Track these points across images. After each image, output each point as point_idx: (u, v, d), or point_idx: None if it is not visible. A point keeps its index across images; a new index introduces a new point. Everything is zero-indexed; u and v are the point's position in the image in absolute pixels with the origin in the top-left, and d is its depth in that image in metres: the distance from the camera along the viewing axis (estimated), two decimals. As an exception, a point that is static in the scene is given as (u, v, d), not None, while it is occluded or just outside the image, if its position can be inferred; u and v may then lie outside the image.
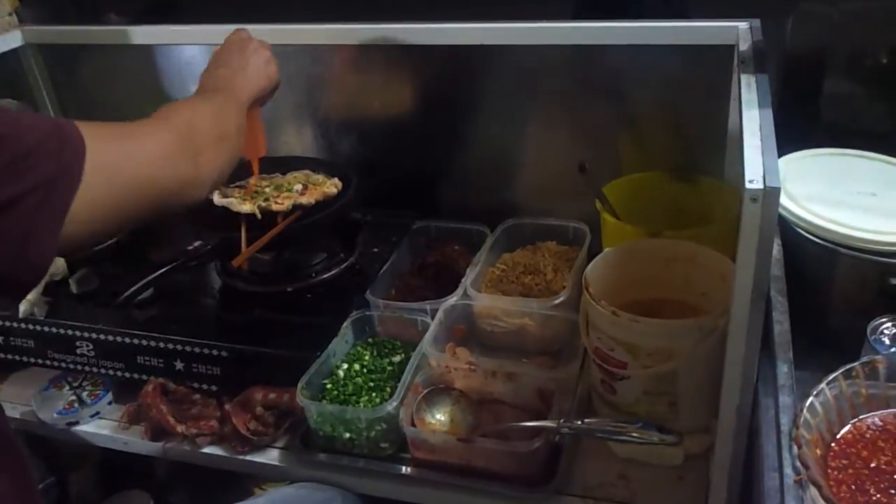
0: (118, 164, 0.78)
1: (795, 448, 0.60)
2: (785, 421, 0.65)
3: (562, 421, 1.01)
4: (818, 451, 0.62)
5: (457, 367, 1.15)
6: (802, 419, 0.61)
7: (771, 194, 0.72)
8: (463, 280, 1.30)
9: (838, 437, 0.64)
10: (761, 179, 0.73)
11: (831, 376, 0.65)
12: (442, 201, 1.56)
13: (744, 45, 1.10)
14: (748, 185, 0.73)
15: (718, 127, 1.28)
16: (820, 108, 1.13)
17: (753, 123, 0.85)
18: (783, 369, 0.69)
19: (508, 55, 1.38)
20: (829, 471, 0.62)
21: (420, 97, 1.51)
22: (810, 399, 0.63)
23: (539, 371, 1.16)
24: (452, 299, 1.27)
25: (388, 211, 1.52)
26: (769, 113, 0.86)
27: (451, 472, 1.07)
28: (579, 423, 1.01)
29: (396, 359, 1.24)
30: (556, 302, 1.22)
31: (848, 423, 0.65)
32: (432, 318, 1.25)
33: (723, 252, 1.15)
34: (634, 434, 0.96)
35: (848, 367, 0.66)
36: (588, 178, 1.23)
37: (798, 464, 0.61)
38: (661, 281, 1.16)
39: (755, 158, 0.77)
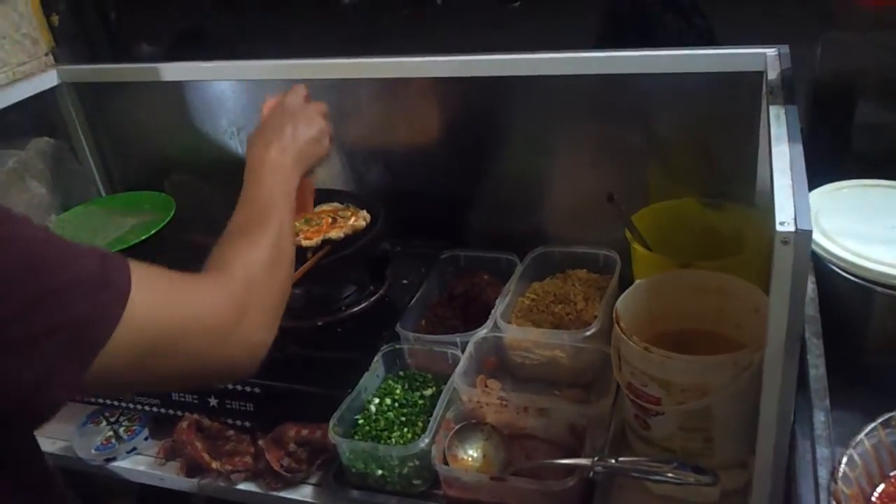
0: (161, 317, 0.69)
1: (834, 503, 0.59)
2: (823, 474, 0.64)
3: (596, 459, 1.01)
4: (858, 507, 0.60)
5: (488, 403, 1.15)
6: (841, 473, 0.60)
7: (803, 236, 0.71)
8: (493, 311, 1.30)
9: (879, 490, 0.63)
10: (792, 221, 0.72)
11: (869, 427, 0.64)
12: (470, 230, 1.56)
13: (772, 73, 1.09)
14: (779, 228, 0.72)
15: (749, 153, 1.26)
16: (850, 137, 1.11)
17: (783, 160, 0.84)
18: (820, 418, 0.68)
19: (534, 84, 1.38)
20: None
21: (447, 127, 1.52)
22: (849, 452, 0.61)
23: (571, 406, 1.15)
24: (483, 331, 1.27)
25: (416, 241, 1.52)
26: (799, 148, 0.85)
27: (485, 509, 1.07)
28: (613, 461, 1.00)
29: (428, 392, 1.24)
30: (588, 334, 1.21)
31: (889, 473, 0.64)
32: (463, 349, 1.25)
33: (755, 281, 1.14)
34: (670, 474, 0.95)
35: (887, 416, 0.65)
36: (616, 208, 1.22)
37: (838, 521, 0.60)
38: (692, 312, 1.15)
39: (786, 199, 0.76)
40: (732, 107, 1.27)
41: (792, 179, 0.80)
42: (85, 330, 0.63)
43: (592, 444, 1.07)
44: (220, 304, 0.77)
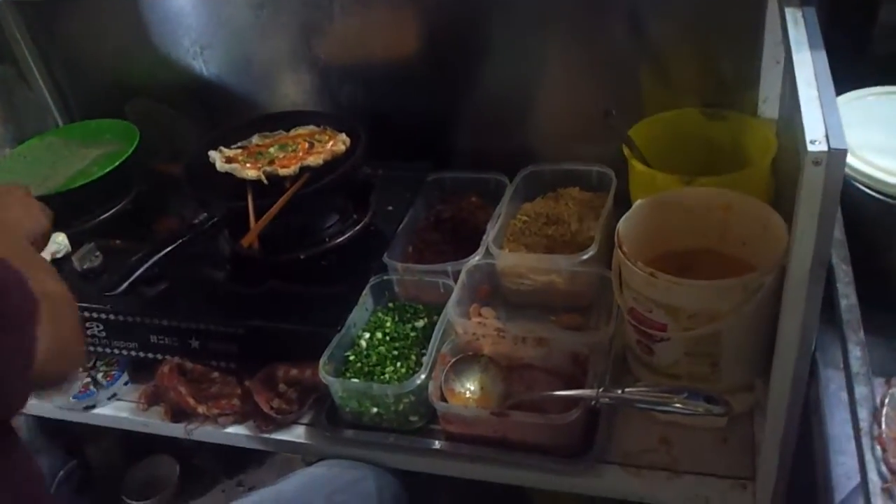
0: None
1: (880, 449, 0.55)
2: (864, 415, 0.59)
3: (601, 390, 0.97)
4: (903, 450, 0.56)
5: (485, 335, 1.10)
6: (884, 414, 0.55)
7: (836, 156, 0.65)
8: (484, 237, 1.24)
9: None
10: (824, 139, 0.66)
11: (911, 361, 0.59)
12: (456, 150, 1.47)
13: (782, -30, 1.00)
14: (810, 148, 0.65)
15: (751, 59, 1.18)
16: (871, 39, 1.03)
17: (807, 69, 0.76)
18: (856, 353, 0.63)
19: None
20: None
21: (426, 40, 1.41)
22: (892, 391, 0.57)
23: (571, 336, 1.11)
24: (475, 259, 1.21)
25: (399, 164, 1.43)
26: (823, 56, 0.78)
27: (485, 444, 1.04)
28: (619, 392, 0.96)
29: (419, 324, 1.19)
30: (585, 257, 1.15)
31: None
32: (454, 278, 1.19)
33: (759, 196, 1.09)
34: (679, 405, 0.91)
35: (929, 349, 0.60)
36: (614, 124, 1.15)
37: (884, 469, 0.56)
38: (696, 231, 1.10)
39: (814, 114, 0.69)
40: (733, 8, 1.18)
41: (818, 91, 0.73)
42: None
43: (595, 371, 1.03)
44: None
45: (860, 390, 0.60)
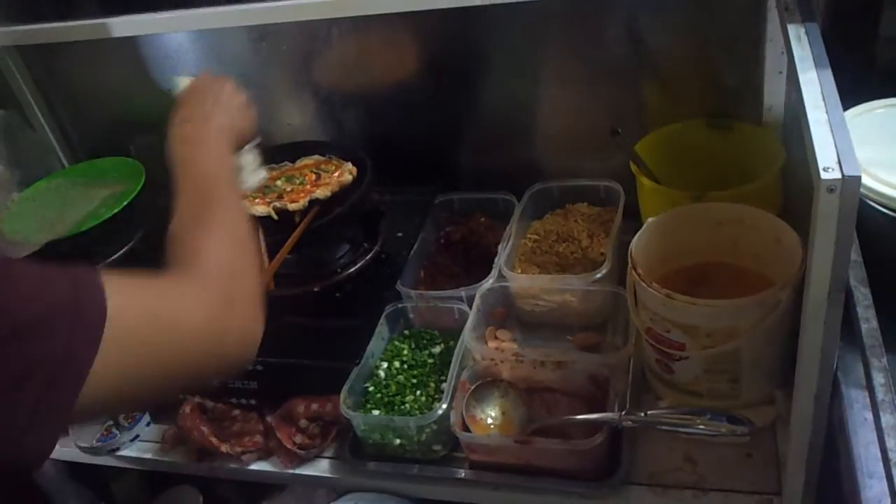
0: (146, 332, 0.64)
1: (910, 482, 0.55)
2: (892, 444, 0.59)
3: (623, 413, 0.97)
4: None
5: (503, 360, 1.10)
6: (913, 446, 0.56)
7: (850, 183, 0.64)
8: (496, 259, 1.24)
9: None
10: (837, 166, 0.66)
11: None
12: (462, 171, 1.47)
13: (783, -17, 1.00)
14: (823, 175, 0.65)
15: (753, 69, 1.18)
16: (875, 51, 1.02)
17: (814, 91, 0.76)
18: (880, 380, 0.63)
19: (515, 10, 1.26)
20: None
21: (426, 61, 1.41)
22: (919, 421, 0.57)
23: (590, 357, 1.11)
24: (488, 282, 1.21)
25: (406, 189, 1.43)
26: (829, 75, 0.78)
27: (510, 471, 1.04)
28: (642, 414, 0.96)
29: (436, 350, 1.20)
30: (598, 276, 1.15)
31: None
32: (468, 302, 1.19)
33: (769, 205, 1.09)
34: (702, 426, 0.91)
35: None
36: (621, 142, 1.15)
37: (916, 501, 0.56)
38: (708, 245, 1.10)
39: (825, 138, 0.69)
40: (733, 18, 1.18)
41: (828, 114, 0.73)
42: (64, 364, 0.58)
43: (615, 391, 1.03)
44: (206, 303, 0.71)
45: (886, 419, 0.60)
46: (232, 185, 0.91)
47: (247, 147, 1.01)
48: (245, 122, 0.99)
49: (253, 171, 1.02)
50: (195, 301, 0.70)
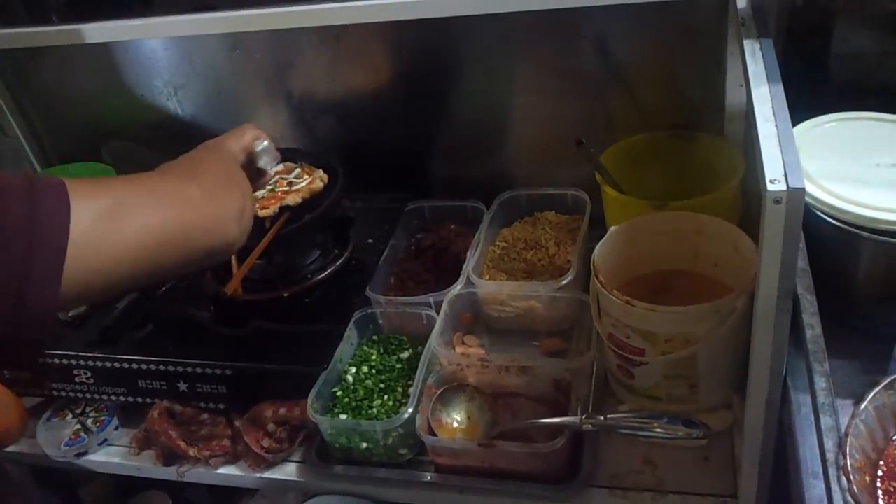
0: (143, 199, 0.74)
1: (844, 480, 0.57)
2: (830, 445, 0.62)
3: (584, 417, 0.99)
4: (867, 478, 0.59)
5: (469, 365, 1.12)
6: (849, 447, 0.58)
7: (795, 194, 0.67)
8: (464, 266, 1.26)
9: (884, 452, 0.62)
10: (783, 178, 0.68)
11: (872, 392, 0.62)
12: (432, 179, 1.49)
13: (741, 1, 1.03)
14: (769, 187, 0.68)
15: (715, 82, 1.21)
16: (828, 67, 1.06)
17: (765, 105, 0.79)
18: (821, 384, 0.66)
19: (485, 21, 1.29)
20: (881, 499, 0.59)
21: (398, 70, 1.43)
22: (854, 422, 0.59)
23: (553, 362, 1.13)
24: (456, 288, 1.23)
25: (376, 195, 1.45)
26: (780, 91, 0.81)
27: (475, 474, 1.05)
28: (602, 418, 0.98)
29: (404, 355, 1.21)
30: (564, 283, 1.18)
31: (893, 437, 0.62)
32: (436, 308, 1.21)
33: (729, 215, 1.12)
34: (659, 430, 0.94)
35: (890, 379, 0.63)
36: (586, 152, 1.17)
37: (850, 499, 0.58)
38: (670, 254, 1.13)
39: (773, 152, 0.72)
40: (696, 35, 1.22)
41: (777, 128, 0.76)
42: (48, 227, 0.63)
43: (577, 396, 1.05)
44: (197, 186, 0.81)
45: (825, 421, 0.63)
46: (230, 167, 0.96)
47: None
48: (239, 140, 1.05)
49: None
50: (186, 183, 0.80)
